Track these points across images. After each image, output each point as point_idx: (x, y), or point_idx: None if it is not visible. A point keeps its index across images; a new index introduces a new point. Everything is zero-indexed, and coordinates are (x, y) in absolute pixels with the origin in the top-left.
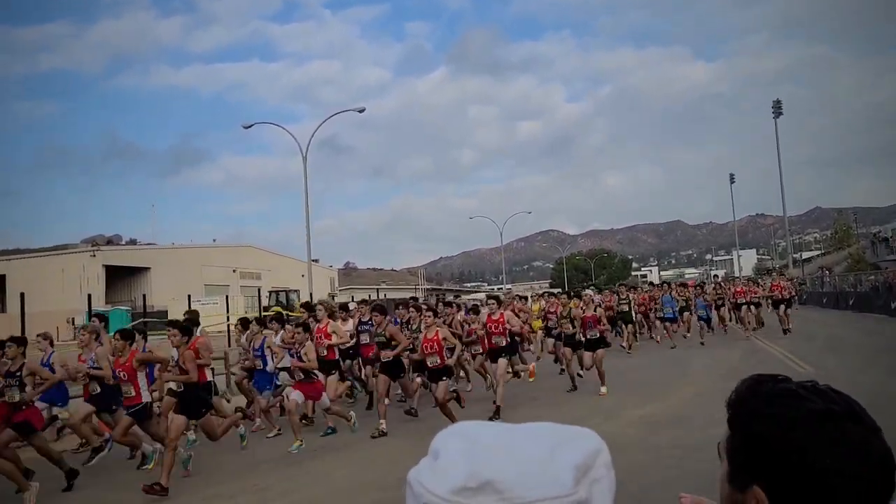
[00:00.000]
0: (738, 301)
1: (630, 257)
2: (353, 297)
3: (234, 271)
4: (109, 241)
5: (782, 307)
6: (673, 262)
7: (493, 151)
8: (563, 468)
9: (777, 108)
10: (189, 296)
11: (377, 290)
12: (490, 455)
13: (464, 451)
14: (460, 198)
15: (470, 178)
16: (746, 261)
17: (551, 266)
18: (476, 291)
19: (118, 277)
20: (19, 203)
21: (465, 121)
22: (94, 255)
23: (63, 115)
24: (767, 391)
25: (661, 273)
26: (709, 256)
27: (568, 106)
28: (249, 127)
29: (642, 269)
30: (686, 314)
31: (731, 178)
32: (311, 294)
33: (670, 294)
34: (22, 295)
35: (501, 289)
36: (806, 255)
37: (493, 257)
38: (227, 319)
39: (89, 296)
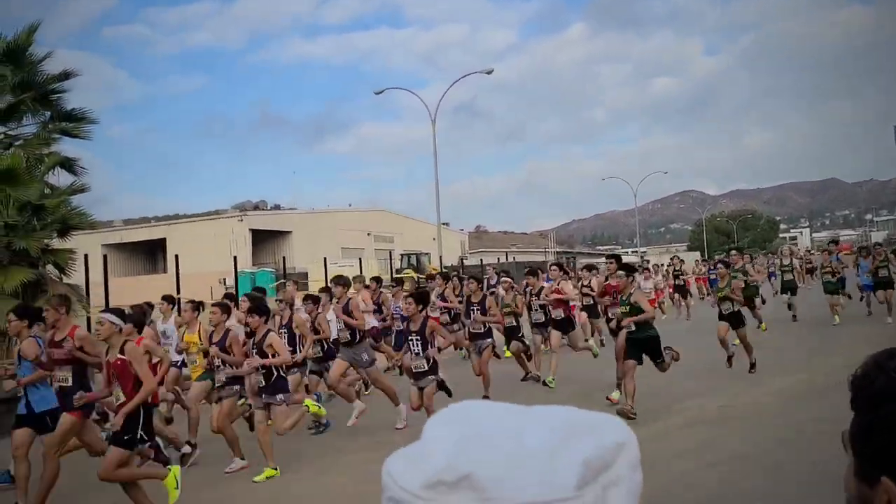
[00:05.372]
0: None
1: (778, 218)
2: (481, 259)
3: (368, 234)
4: (256, 207)
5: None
6: (827, 223)
7: (626, 111)
8: (567, 465)
9: None
10: (325, 258)
11: (506, 252)
12: (479, 443)
13: (451, 436)
14: (593, 159)
15: (602, 138)
16: None
17: (690, 228)
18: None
19: (263, 241)
20: (179, 172)
21: (598, 80)
22: (242, 220)
23: (213, 89)
24: None
25: (814, 235)
26: (869, 216)
27: (707, 60)
28: (380, 93)
29: (791, 230)
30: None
31: None
32: (440, 257)
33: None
34: (176, 257)
35: (636, 252)
36: None
37: (628, 220)
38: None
39: (235, 258)
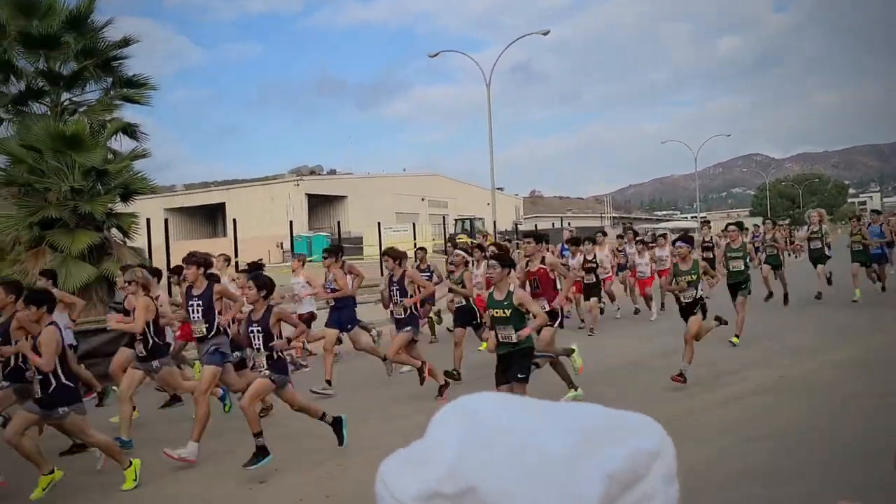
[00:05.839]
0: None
1: (846, 182)
2: (535, 225)
3: (422, 200)
4: (312, 172)
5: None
6: None
7: (688, 71)
8: (589, 478)
9: None
10: (379, 223)
11: (561, 218)
12: (488, 447)
13: (456, 437)
14: (652, 122)
15: (662, 100)
16: None
17: (752, 193)
18: (667, 220)
19: (319, 205)
20: (238, 137)
21: (659, 40)
22: (298, 185)
23: (271, 55)
24: None
25: (884, 200)
26: None
27: (775, 16)
28: (435, 55)
29: (860, 195)
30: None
31: None
32: (494, 222)
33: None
34: (234, 221)
35: (696, 217)
36: None
37: (688, 184)
38: (415, 246)
39: (291, 223)
